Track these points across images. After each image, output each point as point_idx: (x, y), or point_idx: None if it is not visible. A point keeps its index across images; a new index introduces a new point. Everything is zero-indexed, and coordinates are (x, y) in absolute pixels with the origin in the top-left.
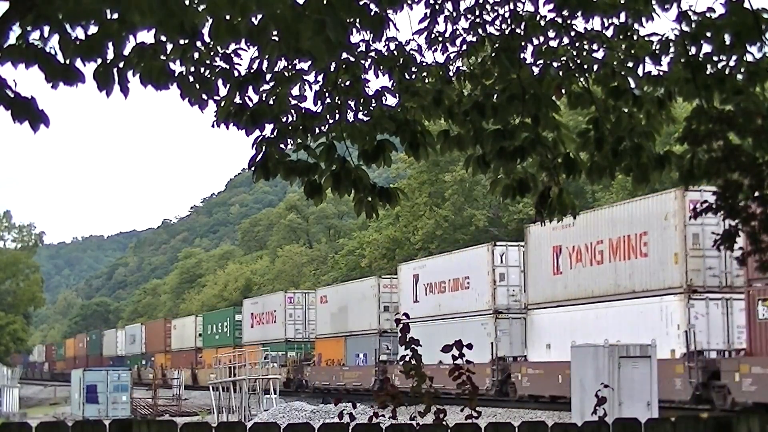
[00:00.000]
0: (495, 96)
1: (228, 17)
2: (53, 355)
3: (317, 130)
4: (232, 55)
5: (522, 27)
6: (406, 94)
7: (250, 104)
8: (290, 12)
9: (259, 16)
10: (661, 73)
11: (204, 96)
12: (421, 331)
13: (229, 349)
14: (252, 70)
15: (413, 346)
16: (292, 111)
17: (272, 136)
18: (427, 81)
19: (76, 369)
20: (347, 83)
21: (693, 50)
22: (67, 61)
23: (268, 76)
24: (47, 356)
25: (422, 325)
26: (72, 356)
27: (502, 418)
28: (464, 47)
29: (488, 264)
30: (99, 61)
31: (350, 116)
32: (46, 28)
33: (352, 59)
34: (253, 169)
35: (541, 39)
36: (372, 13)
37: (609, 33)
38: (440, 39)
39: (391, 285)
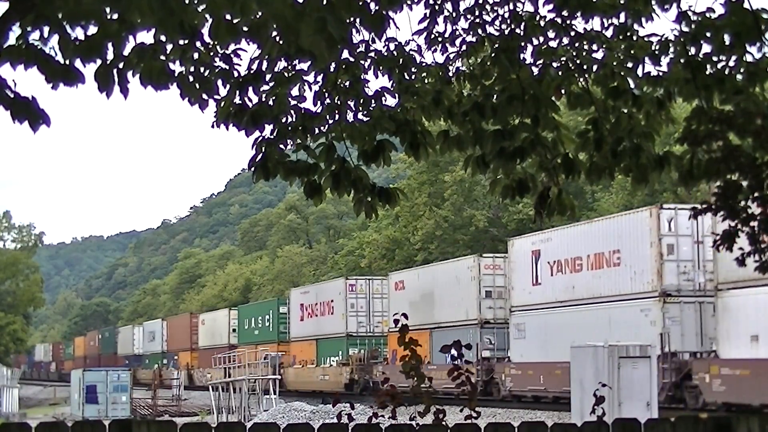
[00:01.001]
0: (494, 96)
1: (228, 17)
2: (61, 354)
3: (317, 131)
4: (232, 55)
5: (522, 27)
6: (405, 95)
7: (250, 105)
8: (290, 11)
9: (259, 15)
10: (660, 73)
11: (204, 96)
12: (545, 322)
13: (273, 345)
14: (252, 71)
15: (412, 346)
16: (292, 111)
17: (272, 136)
18: (426, 81)
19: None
20: (347, 83)
21: (693, 50)
22: (67, 62)
23: (268, 77)
24: (54, 356)
25: (546, 313)
26: (82, 355)
27: (501, 419)
28: (464, 47)
29: (652, 232)
30: (99, 61)
31: (350, 116)
32: (46, 29)
33: (351, 59)
34: (253, 169)
35: (541, 39)
36: (372, 13)
37: (608, 33)
38: (440, 39)
39: (494, 265)
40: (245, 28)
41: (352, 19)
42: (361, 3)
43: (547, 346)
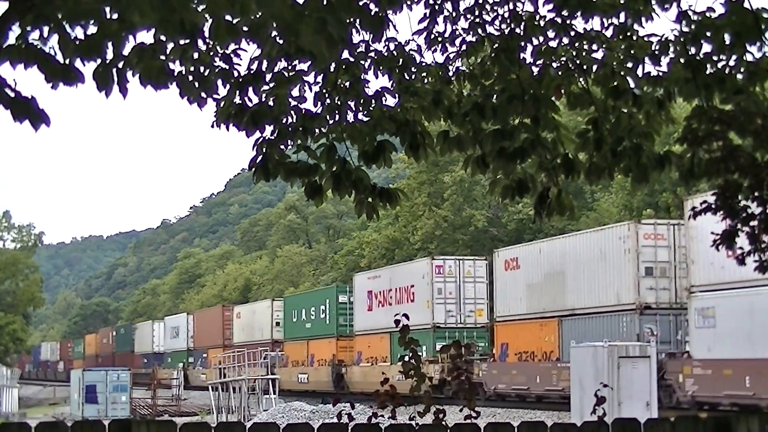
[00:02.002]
0: (494, 96)
1: (228, 17)
2: (69, 353)
3: (317, 131)
4: (232, 55)
5: (521, 27)
6: (405, 95)
7: (250, 105)
8: (290, 11)
9: (259, 15)
10: (660, 73)
11: (203, 94)
12: (750, 305)
13: (331, 341)
14: (252, 71)
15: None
16: (292, 112)
17: (272, 137)
18: (426, 81)
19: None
20: (347, 84)
21: (693, 50)
22: (67, 61)
23: (268, 77)
24: (62, 354)
25: (753, 293)
26: (93, 354)
27: (501, 419)
28: (464, 47)
29: None
30: (98, 61)
31: (350, 117)
32: (46, 28)
33: (351, 60)
34: (253, 170)
35: (541, 39)
36: (372, 13)
37: (608, 33)
38: (440, 39)
39: (656, 234)
40: (245, 28)
41: (351, 19)
42: (360, 3)
43: (755, 338)
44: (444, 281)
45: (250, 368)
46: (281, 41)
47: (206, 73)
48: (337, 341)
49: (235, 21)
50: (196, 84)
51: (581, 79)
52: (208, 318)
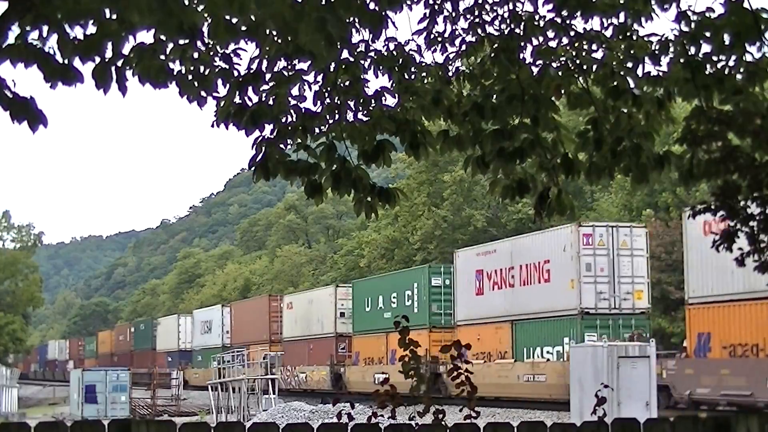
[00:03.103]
0: (494, 96)
1: (227, 17)
2: (80, 351)
3: (317, 130)
4: (232, 55)
5: (521, 27)
6: (405, 95)
7: (250, 104)
8: (289, 10)
9: (258, 15)
10: (660, 73)
11: (203, 93)
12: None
13: (422, 333)
14: (251, 70)
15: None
16: (292, 111)
17: (272, 136)
18: (426, 81)
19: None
20: (347, 83)
21: (692, 50)
22: (66, 61)
23: (268, 76)
24: (72, 353)
25: None
26: (108, 352)
27: (501, 418)
28: (463, 47)
29: None
30: (98, 60)
31: (350, 116)
32: (45, 28)
33: (351, 59)
34: (253, 169)
35: (541, 39)
36: (371, 11)
37: (608, 33)
38: (439, 39)
39: None
40: (244, 28)
41: (351, 18)
42: (360, 2)
43: None
44: (594, 254)
45: (250, 368)
46: (280, 41)
47: (206, 73)
48: (429, 333)
49: (234, 21)
50: (196, 83)
51: (581, 79)
52: (250, 310)
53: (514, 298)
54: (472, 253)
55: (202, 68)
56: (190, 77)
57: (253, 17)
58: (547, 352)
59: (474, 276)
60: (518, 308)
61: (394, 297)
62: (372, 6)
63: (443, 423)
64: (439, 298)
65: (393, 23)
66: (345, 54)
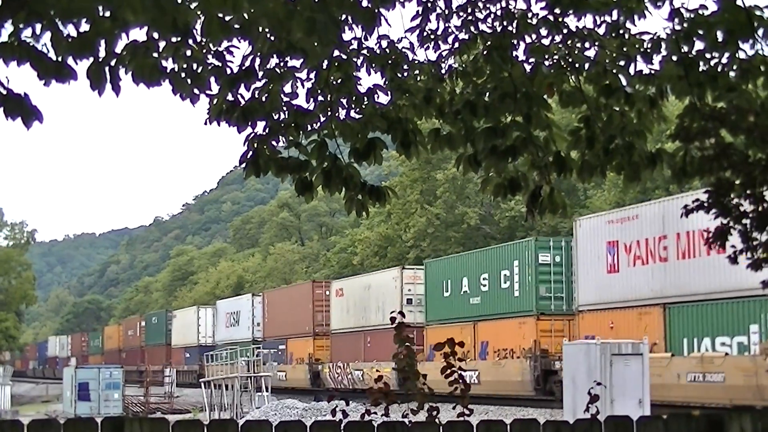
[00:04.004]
0: (487, 94)
1: (220, 14)
2: (84, 348)
3: (309, 128)
4: (225, 52)
5: (514, 25)
6: (397, 92)
7: (242, 101)
8: (282, 9)
9: (251, 13)
10: (652, 71)
11: (196, 91)
12: None
13: (520, 322)
14: (244, 68)
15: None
16: (284, 108)
17: (264, 133)
18: (419, 79)
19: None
20: (339, 81)
21: (685, 48)
22: (60, 59)
23: (260, 74)
24: (74, 350)
25: None
26: (115, 348)
27: (494, 416)
28: (456, 45)
29: None
30: (91, 58)
31: (342, 114)
32: (38, 26)
33: (344, 57)
34: (244, 165)
35: (533, 37)
36: (364, 9)
37: (601, 31)
38: (432, 37)
39: None
40: (237, 26)
41: (344, 16)
42: (353, 0)
43: None
44: None
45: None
46: (273, 38)
47: (199, 71)
48: (537, 322)
49: (227, 19)
50: (189, 81)
51: (573, 77)
52: (287, 298)
53: (667, 276)
54: (602, 221)
55: (195, 66)
56: (183, 75)
57: (246, 15)
58: (722, 344)
59: (605, 249)
60: (675, 288)
61: (484, 279)
62: (365, 3)
63: (437, 420)
64: (548, 278)
65: (386, 20)
66: (337, 52)
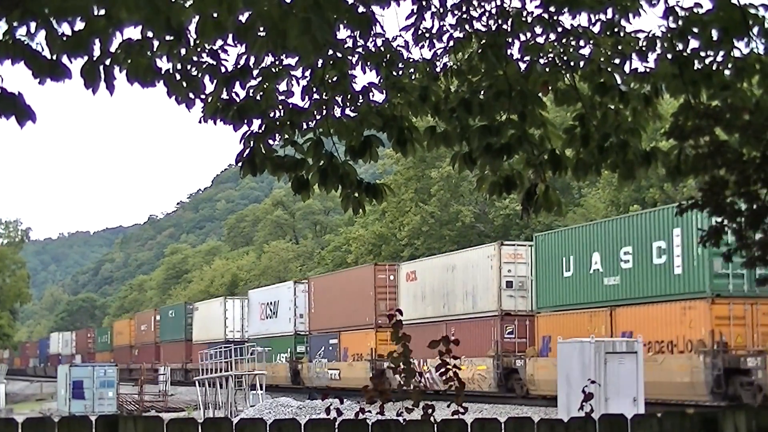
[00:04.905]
0: (481, 92)
1: (215, 15)
2: (89, 344)
3: (304, 126)
4: (219, 51)
5: (509, 23)
6: (393, 90)
7: (238, 100)
8: (277, 10)
9: (246, 14)
10: (647, 69)
11: (191, 94)
12: None
13: (668, 306)
14: (239, 66)
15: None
16: (280, 106)
17: (259, 131)
18: (414, 77)
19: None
20: (334, 79)
21: (680, 46)
22: (54, 57)
23: (255, 72)
24: (78, 347)
25: None
26: (126, 344)
27: (488, 414)
28: (451, 43)
29: None
30: (85, 57)
31: (337, 112)
32: (33, 24)
33: (339, 55)
34: (240, 164)
35: (528, 35)
36: (359, 12)
37: (596, 29)
38: (427, 35)
39: None
40: (232, 27)
41: (338, 18)
42: (348, 5)
43: None
44: None
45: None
46: (268, 38)
47: (193, 71)
48: (711, 306)
49: (222, 19)
50: (184, 83)
51: (568, 76)
52: (341, 285)
53: None
54: None
55: (189, 66)
56: (177, 76)
57: (241, 17)
58: None
59: None
60: None
61: (626, 253)
62: (361, 9)
63: (432, 419)
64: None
65: (379, 22)
66: (332, 51)
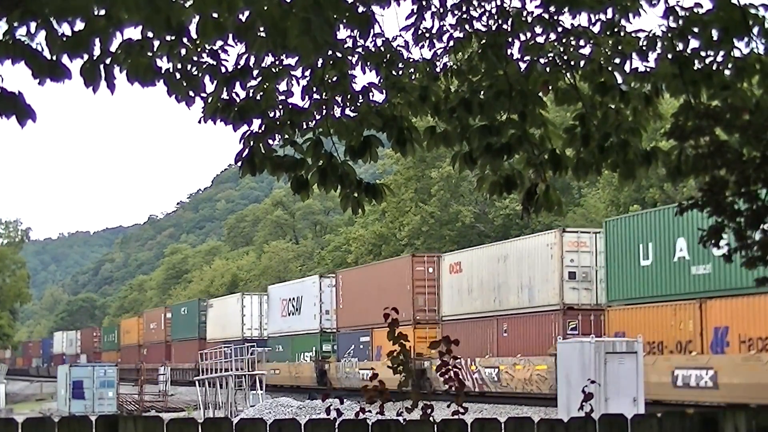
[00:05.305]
0: (482, 92)
1: (215, 15)
2: (95, 344)
3: (304, 126)
4: (219, 51)
5: (509, 23)
6: (392, 90)
7: (237, 100)
8: (277, 10)
9: (246, 13)
10: (647, 69)
11: (190, 92)
12: None
13: None
14: (239, 66)
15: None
16: (280, 106)
17: (259, 131)
18: (414, 77)
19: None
20: (334, 79)
21: (680, 46)
22: (54, 57)
23: (255, 72)
24: (84, 346)
25: None
26: (135, 343)
27: (488, 414)
28: (451, 43)
29: None
30: (86, 57)
31: (337, 112)
32: (33, 24)
33: (339, 55)
34: (239, 164)
35: (528, 35)
36: (359, 12)
37: (596, 29)
38: (427, 35)
39: None
40: (232, 27)
41: (338, 17)
42: (348, 5)
43: None
44: None
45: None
46: (268, 39)
47: (193, 71)
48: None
49: (222, 19)
50: (184, 83)
51: (568, 75)
52: (373, 279)
53: None
54: None
55: (189, 66)
56: (177, 76)
57: (241, 16)
58: None
59: None
60: None
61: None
62: (361, 9)
63: (431, 419)
64: None
65: (379, 24)
66: (332, 51)
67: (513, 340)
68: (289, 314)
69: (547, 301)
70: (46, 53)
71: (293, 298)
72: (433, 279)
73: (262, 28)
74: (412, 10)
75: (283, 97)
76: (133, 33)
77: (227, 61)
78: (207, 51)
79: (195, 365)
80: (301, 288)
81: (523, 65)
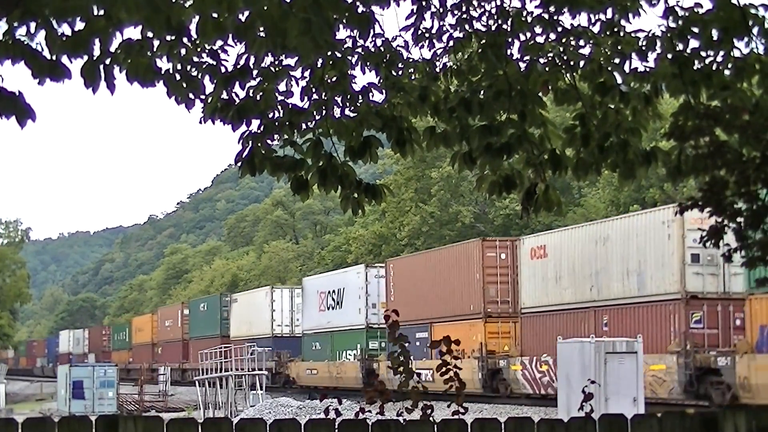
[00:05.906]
0: (481, 92)
1: (215, 14)
2: (104, 342)
3: (304, 126)
4: (219, 51)
5: (509, 23)
6: (392, 91)
7: (237, 100)
8: (277, 10)
9: (246, 13)
10: (647, 69)
11: (191, 95)
12: None
13: None
14: (238, 66)
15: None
16: (279, 107)
17: (259, 131)
18: (413, 77)
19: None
20: (334, 79)
21: (680, 46)
22: (54, 57)
23: (255, 72)
24: (92, 345)
25: None
26: (148, 341)
27: (488, 414)
28: (451, 43)
29: None
30: (86, 57)
31: (337, 112)
32: (33, 24)
33: (338, 55)
34: (239, 164)
35: (528, 35)
36: (359, 12)
37: (596, 29)
38: (427, 35)
39: None
40: (232, 27)
41: (338, 17)
42: (348, 4)
43: None
44: None
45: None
46: (268, 39)
47: (193, 72)
48: None
49: (222, 19)
50: (184, 83)
51: (568, 75)
52: (432, 268)
53: None
54: None
55: (189, 66)
56: (177, 77)
57: (241, 16)
58: None
59: None
60: None
61: None
62: (360, 9)
63: (431, 419)
64: None
65: (379, 24)
66: (332, 51)
67: (616, 335)
68: (328, 308)
69: (664, 288)
70: (46, 53)
71: (333, 291)
72: (506, 266)
73: (261, 28)
74: (412, 10)
75: (282, 98)
76: (133, 33)
77: (227, 61)
78: (207, 51)
79: (212, 366)
80: (343, 279)
81: (522, 65)
